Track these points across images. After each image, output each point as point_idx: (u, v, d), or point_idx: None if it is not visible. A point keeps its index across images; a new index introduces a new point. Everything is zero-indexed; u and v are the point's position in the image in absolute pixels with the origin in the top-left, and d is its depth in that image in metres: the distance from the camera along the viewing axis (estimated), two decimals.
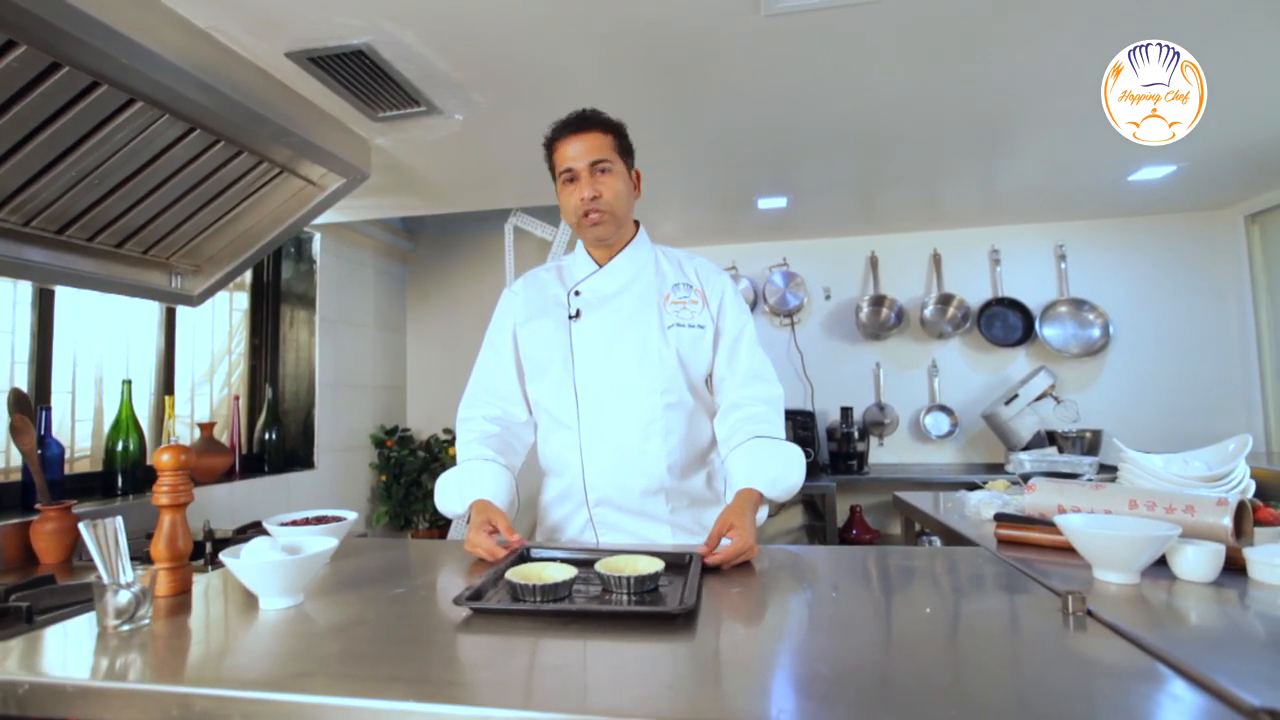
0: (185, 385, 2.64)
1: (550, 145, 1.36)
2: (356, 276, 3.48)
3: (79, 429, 2.24)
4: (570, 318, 1.37)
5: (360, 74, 1.66)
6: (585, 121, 1.33)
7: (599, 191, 1.31)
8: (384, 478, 3.54)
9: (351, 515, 1.22)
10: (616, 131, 1.36)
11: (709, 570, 1.07)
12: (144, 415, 2.34)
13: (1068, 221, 3.49)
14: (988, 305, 3.52)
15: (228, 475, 2.62)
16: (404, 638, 0.82)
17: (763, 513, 1.32)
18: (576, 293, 1.39)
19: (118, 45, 1.34)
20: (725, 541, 1.11)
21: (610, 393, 1.33)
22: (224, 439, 2.76)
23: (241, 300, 2.99)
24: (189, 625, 0.87)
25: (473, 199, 2.90)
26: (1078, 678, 0.68)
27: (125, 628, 0.82)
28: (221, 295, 2.74)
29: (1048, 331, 3.41)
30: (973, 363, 3.58)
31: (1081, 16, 1.57)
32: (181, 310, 2.59)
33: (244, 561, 0.88)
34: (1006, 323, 3.49)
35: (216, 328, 2.84)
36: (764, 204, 3.09)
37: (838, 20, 1.56)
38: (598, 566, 0.97)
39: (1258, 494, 1.34)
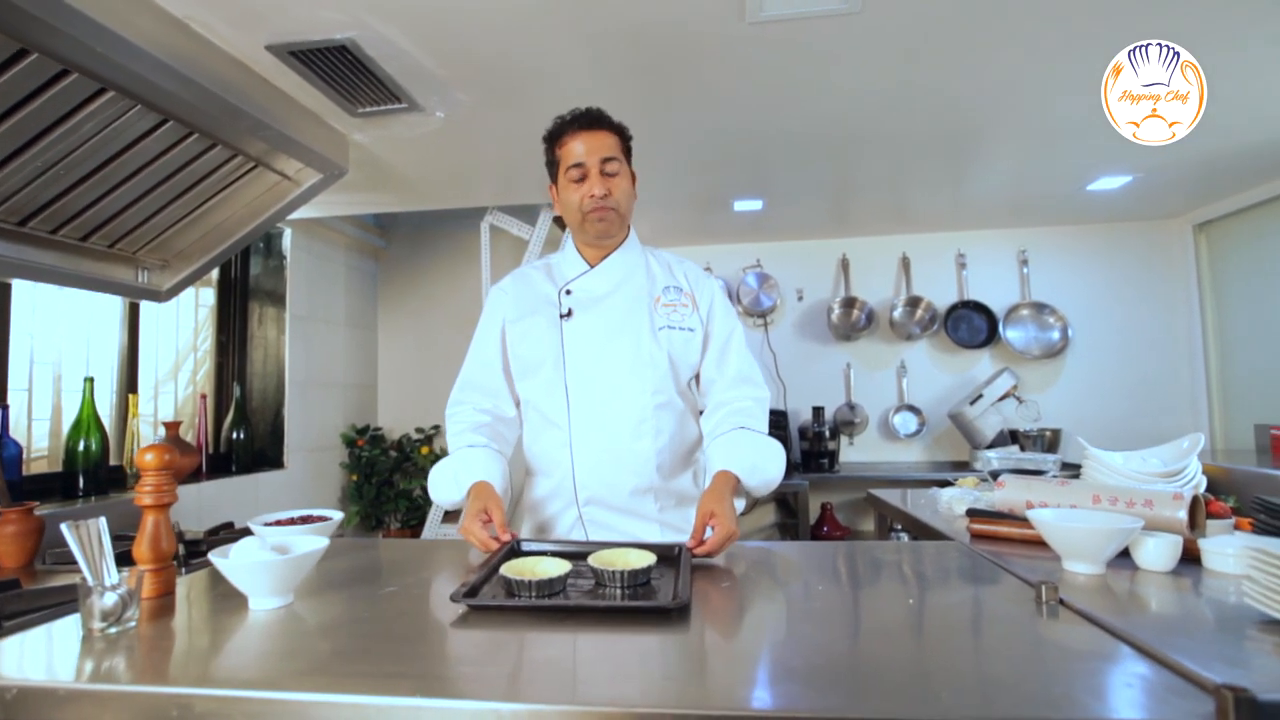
0: (148, 383, 2.56)
1: (556, 138, 1.37)
2: (328, 273, 3.42)
3: (36, 428, 2.16)
4: (562, 317, 1.38)
5: (342, 69, 1.64)
6: (597, 120, 1.35)
7: (609, 189, 1.33)
8: (355, 477, 3.48)
9: (337, 515, 1.21)
10: (623, 134, 1.38)
11: (697, 562, 1.09)
12: (104, 414, 2.26)
13: (1030, 228, 3.62)
14: (954, 308, 3.63)
15: (194, 476, 2.56)
16: (402, 635, 0.82)
17: (740, 502, 1.34)
18: (568, 291, 1.40)
19: (90, 32, 1.30)
20: (709, 532, 1.14)
21: (602, 393, 1.34)
22: (189, 438, 2.69)
23: (208, 296, 2.92)
24: (178, 627, 0.85)
25: (450, 197, 2.88)
26: (1056, 661, 0.72)
27: (112, 630, 0.81)
28: (187, 290, 2.67)
29: (1010, 334, 3.53)
30: (939, 364, 3.69)
31: (1045, 35, 1.64)
32: (145, 306, 2.51)
33: (235, 561, 0.87)
34: (971, 325, 3.60)
35: (181, 324, 2.77)
36: (740, 206, 3.14)
37: (818, 30, 1.60)
38: (590, 560, 0.99)
39: (1208, 489, 1.42)
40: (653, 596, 0.93)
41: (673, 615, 0.86)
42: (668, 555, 1.08)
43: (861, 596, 1.00)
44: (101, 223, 1.79)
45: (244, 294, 3.04)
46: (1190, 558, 1.10)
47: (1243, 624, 0.83)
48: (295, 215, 2.56)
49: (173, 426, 2.46)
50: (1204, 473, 1.42)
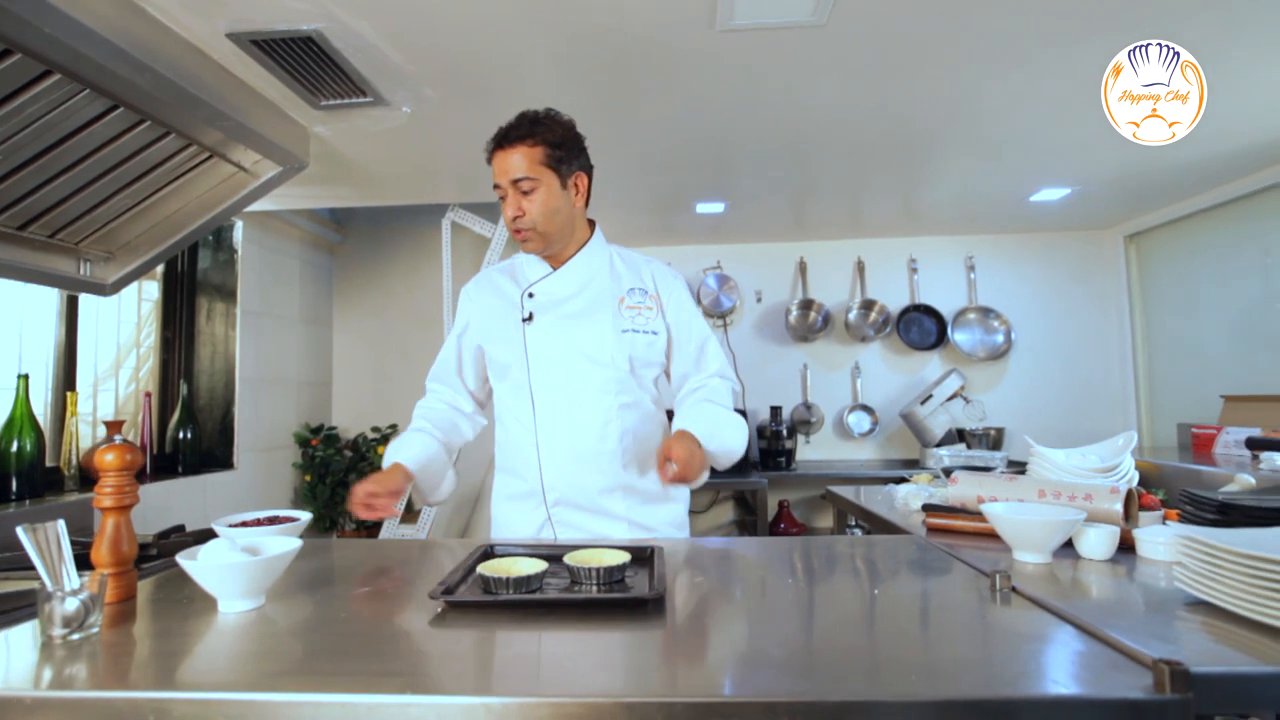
0: (87, 380, 2.44)
1: (488, 158, 1.37)
2: (281, 268, 3.32)
3: None
4: (523, 321, 1.38)
5: (307, 60, 1.60)
6: (507, 137, 1.31)
7: (521, 210, 1.31)
8: (308, 478, 3.39)
9: (305, 515, 1.18)
10: (547, 141, 1.30)
11: (668, 557, 1.12)
12: (39, 412, 2.15)
13: (977, 235, 3.78)
14: (905, 311, 3.76)
15: (138, 477, 2.45)
16: (382, 634, 0.82)
17: (703, 475, 1.39)
18: (530, 295, 1.40)
19: (37, 12, 1.24)
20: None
21: (566, 395, 1.35)
22: (133, 438, 2.57)
23: (151, 290, 2.79)
24: (146, 631, 0.83)
25: (411, 192, 2.84)
26: (1011, 643, 0.77)
27: (75, 636, 0.78)
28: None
29: (958, 336, 3.69)
30: (891, 365, 3.82)
31: (996, 54, 1.73)
32: (84, 299, 2.39)
33: (205, 563, 0.85)
34: (922, 327, 3.74)
35: (123, 319, 2.64)
36: (702, 208, 3.18)
37: (784, 40, 1.64)
38: (566, 559, 1.00)
39: (1140, 483, 1.52)
40: (629, 593, 0.94)
41: (649, 608, 0.88)
42: (640, 555, 1.10)
43: (829, 588, 1.05)
44: (42, 211, 1.70)
45: (191, 288, 2.92)
46: (1126, 546, 1.18)
47: (1174, 605, 0.90)
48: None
49: (115, 426, 2.35)
50: (1136, 468, 1.52)
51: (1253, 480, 1.46)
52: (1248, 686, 0.70)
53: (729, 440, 1.37)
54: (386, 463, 1.38)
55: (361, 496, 1.25)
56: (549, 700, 0.63)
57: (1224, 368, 3.05)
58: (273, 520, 1.15)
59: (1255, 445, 2.10)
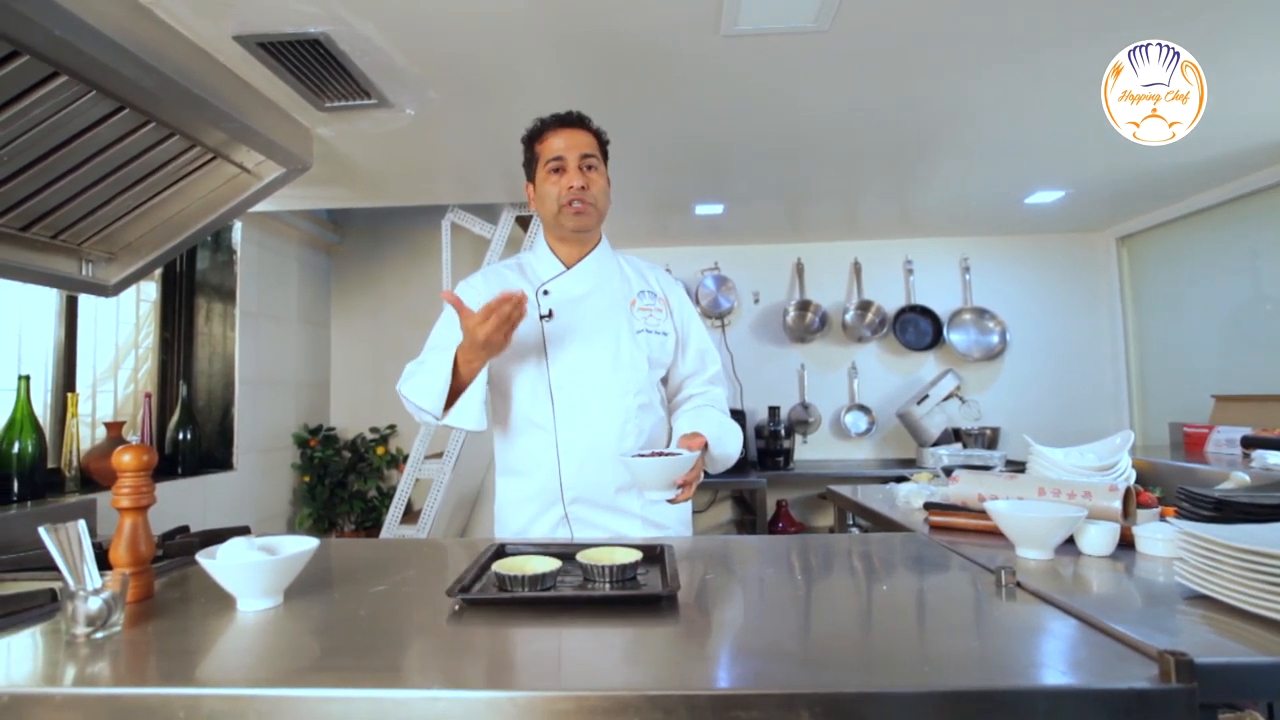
0: (86, 381, 2.43)
1: (537, 136, 1.41)
2: (279, 268, 3.31)
3: None
4: (542, 317, 1.39)
5: (313, 63, 1.61)
6: (578, 120, 1.41)
7: (587, 183, 1.37)
8: (307, 479, 3.39)
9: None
10: (601, 137, 1.44)
11: (678, 557, 1.13)
12: (39, 413, 2.14)
13: (971, 237, 3.82)
14: (901, 311, 3.79)
15: None
16: (402, 631, 0.83)
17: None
18: (545, 292, 1.41)
19: (48, 14, 1.24)
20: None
21: (586, 394, 1.36)
22: (133, 440, 2.57)
23: (149, 291, 2.79)
24: (168, 629, 0.84)
25: (411, 193, 2.84)
26: (1019, 636, 0.79)
27: (99, 635, 0.79)
28: None
29: (954, 337, 3.72)
30: (888, 365, 3.85)
31: (990, 61, 1.75)
32: (83, 299, 2.39)
33: (224, 562, 0.86)
34: (918, 328, 3.78)
35: (122, 319, 2.64)
36: (701, 210, 3.20)
37: (787, 46, 1.66)
38: (579, 558, 1.02)
39: (1137, 481, 1.55)
40: (643, 590, 0.96)
41: (663, 604, 0.90)
42: (650, 554, 1.11)
43: (838, 584, 1.06)
44: (45, 212, 1.70)
45: (190, 289, 2.92)
46: (1125, 543, 1.20)
47: (1174, 599, 0.93)
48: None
49: (115, 427, 2.34)
50: (1132, 466, 1.55)
51: (1247, 477, 1.49)
52: (1248, 676, 0.72)
53: (730, 447, 1.42)
54: (443, 368, 1.25)
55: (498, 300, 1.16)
56: (572, 694, 0.64)
57: (1213, 368, 3.09)
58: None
59: (1251, 444, 2.13)
